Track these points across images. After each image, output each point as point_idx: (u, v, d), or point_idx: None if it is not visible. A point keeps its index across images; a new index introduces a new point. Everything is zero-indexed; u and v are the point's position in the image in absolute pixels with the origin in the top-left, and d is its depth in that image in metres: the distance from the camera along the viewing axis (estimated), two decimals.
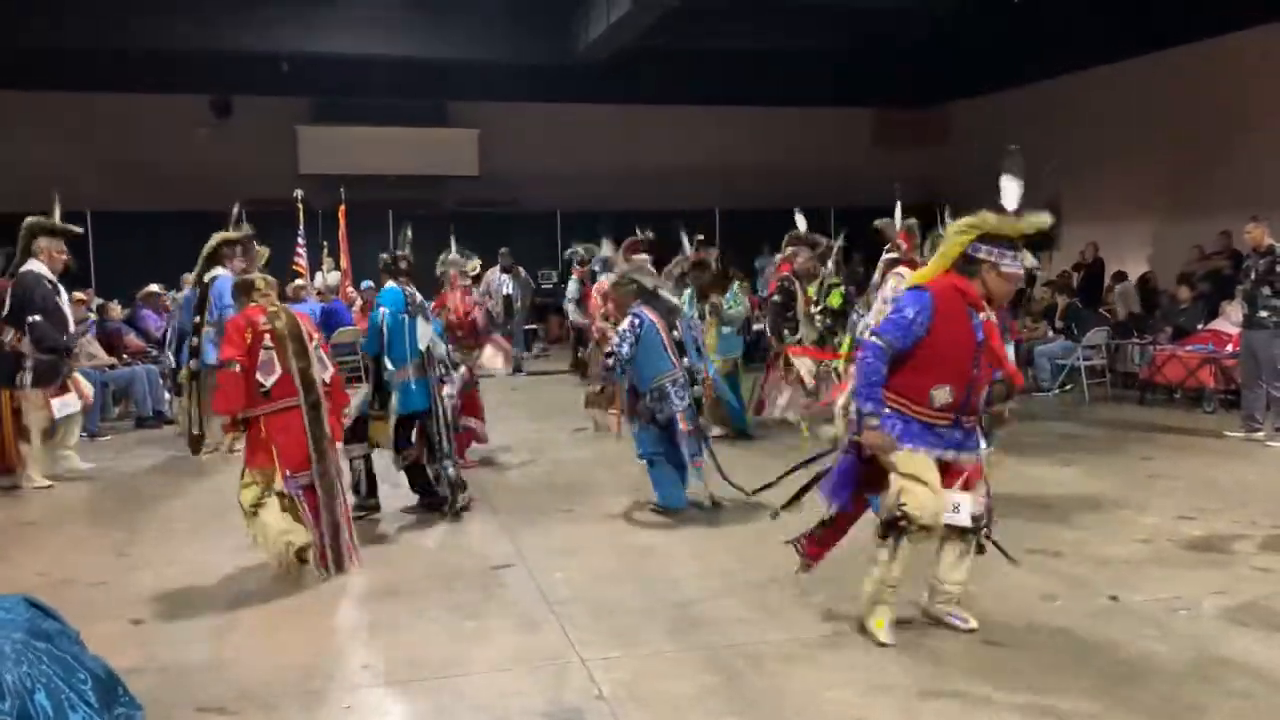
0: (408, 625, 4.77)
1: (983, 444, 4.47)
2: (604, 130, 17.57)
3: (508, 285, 14.33)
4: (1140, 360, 11.59)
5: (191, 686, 4.07)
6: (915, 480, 4.21)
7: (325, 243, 12.76)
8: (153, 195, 15.36)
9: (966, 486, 4.34)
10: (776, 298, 8.99)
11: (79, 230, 7.97)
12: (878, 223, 7.62)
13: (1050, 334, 12.32)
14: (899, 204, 7.43)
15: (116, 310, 11.68)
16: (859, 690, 3.94)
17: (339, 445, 5.79)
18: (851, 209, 18.21)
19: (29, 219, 7.85)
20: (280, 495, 5.36)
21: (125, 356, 10.91)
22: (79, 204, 15.17)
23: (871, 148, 18.68)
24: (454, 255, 8.14)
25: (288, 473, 5.32)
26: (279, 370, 5.33)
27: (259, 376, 5.30)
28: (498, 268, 14.11)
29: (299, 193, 9.04)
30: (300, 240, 9.89)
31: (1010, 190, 4.33)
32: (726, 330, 9.24)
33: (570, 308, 12.84)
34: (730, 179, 17.50)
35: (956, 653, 4.28)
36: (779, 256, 9.50)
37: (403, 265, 6.71)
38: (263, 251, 8.80)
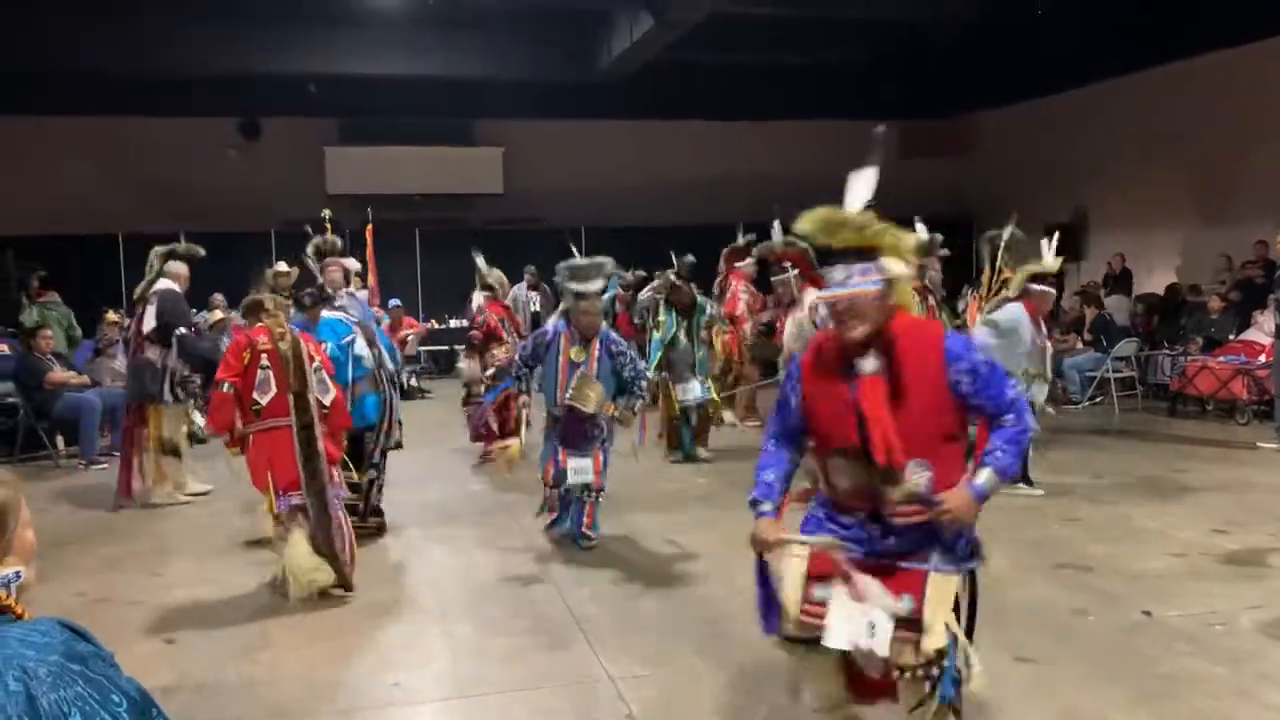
0: (437, 643, 4.79)
1: (936, 558, 2.99)
2: (628, 146, 17.62)
3: (535, 302, 14.42)
4: (1171, 372, 11.48)
5: (225, 705, 4.10)
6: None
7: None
8: (182, 217, 15.54)
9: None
10: None
11: (202, 252, 8.21)
12: (765, 244, 7.39)
13: (1079, 345, 12.23)
14: (778, 221, 7.32)
15: None
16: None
17: (337, 470, 5.78)
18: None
19: (159, 247, 8.07)
20: (275, 515, 5.43)
21: None
22: (110, 226, 15.50)
23: (897, 160, 18.62)
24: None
25: (281, 491, 5.41)
26: (274, 389, 5.42)
27: (255, 395, 5.41)
28: (524, 284, 14.20)
29: (326, 213, 9.11)
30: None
31: (860, 182, 3.17)
32: (701, 352, 9.13)
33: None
34: (755, 193, 17.48)
35: (989, 668, 4.24)
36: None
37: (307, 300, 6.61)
38: (293, 271, 8.88)
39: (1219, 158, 13.68)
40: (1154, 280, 14.49)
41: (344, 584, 5.44)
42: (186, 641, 4.88)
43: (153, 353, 7.79)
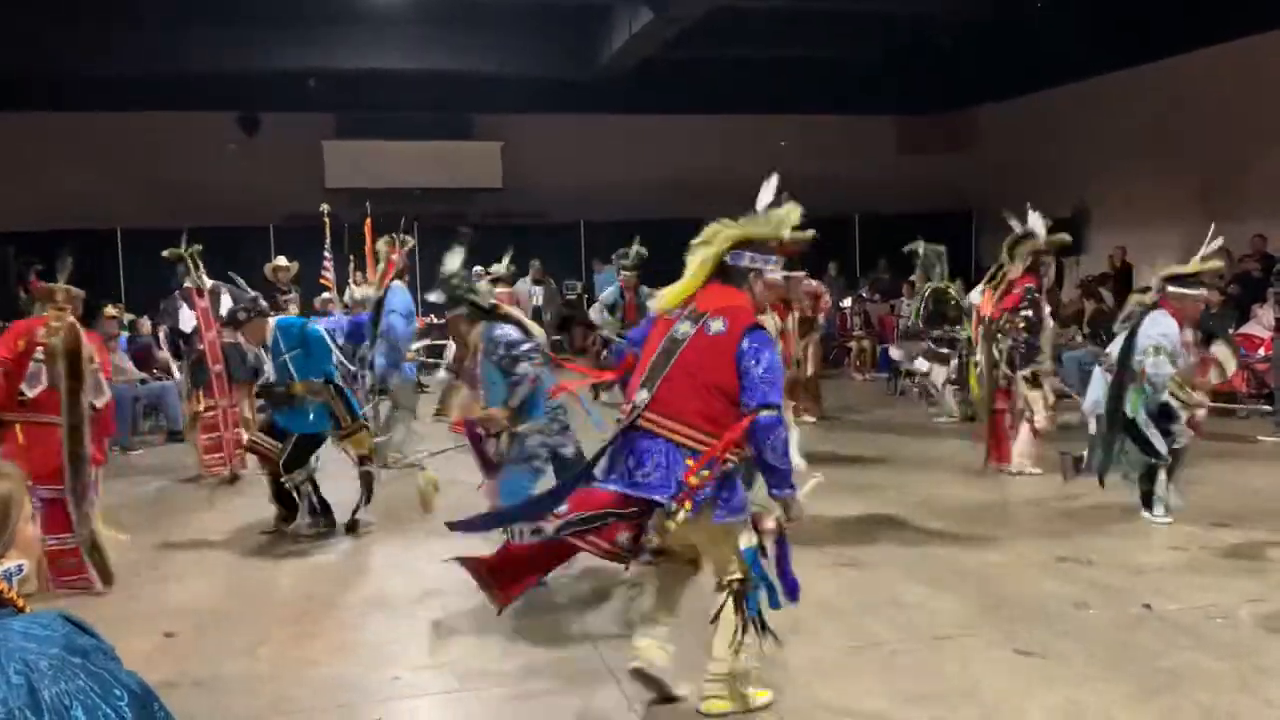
0: (437, 638, 4.79)
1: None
2: (628, 141, 17.59)
3: (538, 296, 14.46)
4: None
5: (225, 700, 4.10)
6: None
7: (352, 257, 12.87)
8: (182, 212, 15.54)
9: None
10: (1028, 312, 7.65)
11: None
12: None
13: (1079, 339, 12.22)
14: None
15: (146, 326, 11.81)
16: (893, 700, 3.91)
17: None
18: (878, 216, 18.32)
19: (187, 249, 8.22)
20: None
21: (155, 371, 11.04)
22: (109, 221, 15.48)
23: (897, 155, 18.60)
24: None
25: (31, 483, 5.37)
26: (44, 383, 5.39)
27: (23, 386, 5.38)
28: (528, 279, 14.22)
29: (325, 207, 9.12)
30: (327, 255, 9.97)
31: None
32: None
33: (597, 315, 12.76)
34: (753, 188, 17.45)
35: (990, 662, 4.25)
36: (1013, 268, 7.88)
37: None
38: (292, 266, 8.91)
39: (1221, 152, 13.66)
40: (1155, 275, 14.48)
41: (106, 578, 5.52)
42: (186, 637, 4.88)
43: (235, 337, 8.07)
